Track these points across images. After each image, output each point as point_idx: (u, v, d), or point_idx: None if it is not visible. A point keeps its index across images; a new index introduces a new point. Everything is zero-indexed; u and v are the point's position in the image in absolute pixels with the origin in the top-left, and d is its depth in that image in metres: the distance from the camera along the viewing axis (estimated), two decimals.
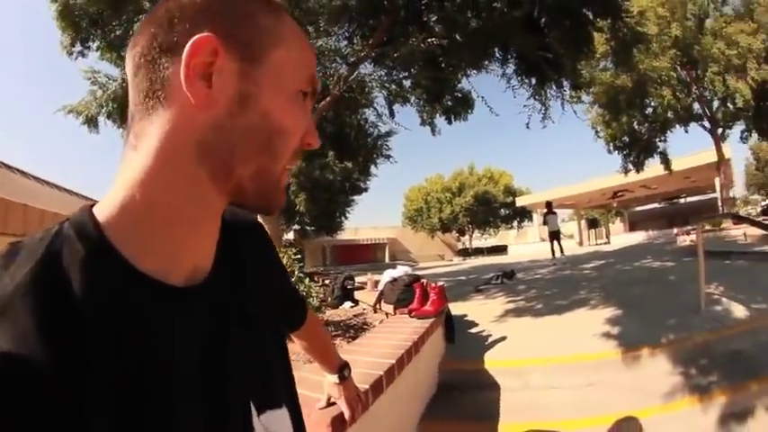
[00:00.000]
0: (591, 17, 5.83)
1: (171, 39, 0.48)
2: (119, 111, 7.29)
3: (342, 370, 1.21)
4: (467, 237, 44.35)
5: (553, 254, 13.61)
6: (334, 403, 1.31)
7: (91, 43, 6.78)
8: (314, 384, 1.56)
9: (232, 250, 0.63)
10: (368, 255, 41.00)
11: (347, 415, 1.29)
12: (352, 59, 5.86)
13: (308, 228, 24.86)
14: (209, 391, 0.52)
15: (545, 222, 14.08)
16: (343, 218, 23.94)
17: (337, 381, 1.22)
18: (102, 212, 0.48)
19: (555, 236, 13.86)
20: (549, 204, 14.08)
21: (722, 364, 3.54)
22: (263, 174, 0.52)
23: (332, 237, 28.42)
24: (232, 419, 0.55)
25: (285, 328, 0.91)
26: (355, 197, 22.45)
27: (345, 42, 6.03)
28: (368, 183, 20.42)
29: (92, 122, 7.49)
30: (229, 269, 0.61)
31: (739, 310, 4.55)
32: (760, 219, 15.85)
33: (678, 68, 15.74)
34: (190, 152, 0.49)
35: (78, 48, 6.76)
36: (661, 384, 3.32)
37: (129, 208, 0.48)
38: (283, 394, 0.68)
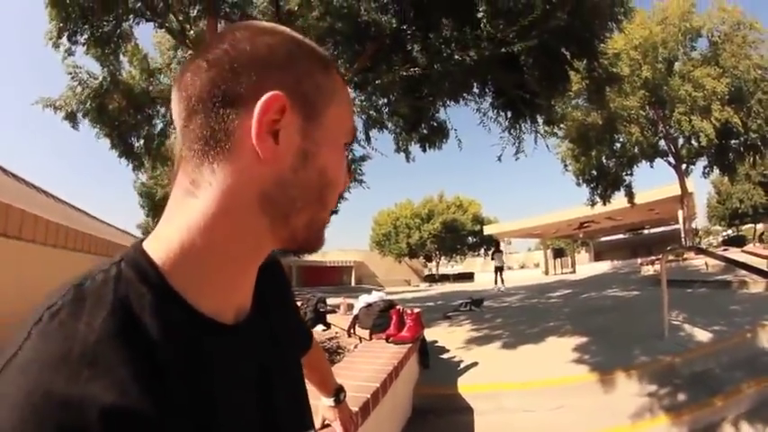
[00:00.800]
0: (569, 57, 6.04)
1: (236, 89, 0.49)
2: (96, 111, 7.20)
3: (338, 393, 1.24)
4: (434, 263, 44.63)
5: (495, 282, 17.54)
6: (327, 425, 1.30)
7: (78, 36, 6.52)
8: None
9: (261, 286, 0.65)
10: (334, 277, 40.71)
11: None
12: None
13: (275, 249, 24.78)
14: (266, 421, 0.57)
15: (493, 258, 18.96)
16: None
17: (333, 404, 1.24)
18: (157, 254, 0.49)
19: (500, 270, 18.14)
20: (497, 243, 18.03)
21: (687, 384, 3.72)
22: (314, 222, 0.56)
23: (299, 257, 28.21)
24: None
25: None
26: None
27: None
28: (339, 205, 20.50)
29: (72, 118, 7.38)
30: (259, 304, 0.63)
31: (701, 335, 4.75)
32: (720, 249, 16.57)
33: (647, 107, 16.46)
34: (253, 203, 0.50)
35: (65, 40, 6.50)
36: (629, 405, 3.46)
37: (189, 252, 0.49)
38: (310, 418, 0.73)
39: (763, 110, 15.53)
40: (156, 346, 0.43)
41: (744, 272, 4.22)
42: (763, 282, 6.94)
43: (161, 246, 0.50)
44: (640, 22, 15.12)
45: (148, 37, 8.69)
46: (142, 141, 8.18)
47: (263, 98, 0.48)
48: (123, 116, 7.57)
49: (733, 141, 16.78)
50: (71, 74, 7.03)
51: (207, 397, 0.47)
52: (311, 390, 1.24)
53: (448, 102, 6.76)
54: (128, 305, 0.44)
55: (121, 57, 7.42)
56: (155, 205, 18.53)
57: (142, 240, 0.52)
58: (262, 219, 0.51)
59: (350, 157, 9.60)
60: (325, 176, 0.54)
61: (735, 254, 12.33)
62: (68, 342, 0.39)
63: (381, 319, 4.72)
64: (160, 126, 8.51)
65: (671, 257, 14.30)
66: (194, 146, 0.50)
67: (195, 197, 0.50)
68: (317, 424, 1.37)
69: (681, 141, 17.94)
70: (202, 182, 0.50)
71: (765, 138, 16.36)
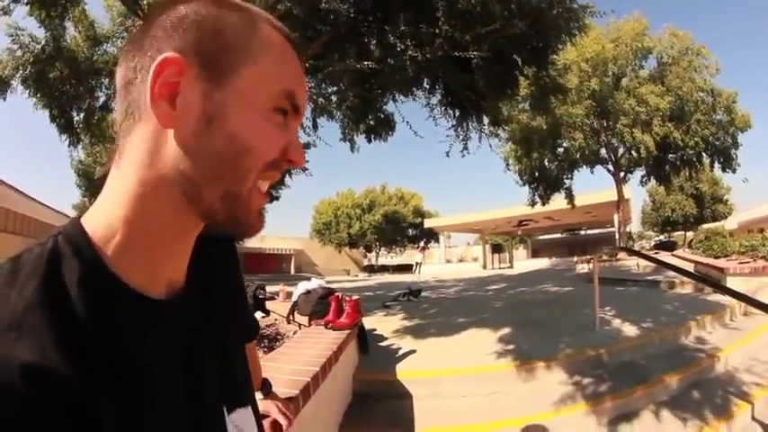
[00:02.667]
0: (520, 63, 6.16)
1: (144, 60, 0.50)
2: (35, 77, 6.71)
3: (264, 385, 1.29)
4: (373, 254, 44.86)
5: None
6: (266, 416, 1.30)
7: None
8: None
9: (205, 264, 0.66)
10: (273, 265, 40.12)
11: (284, 423, 1.31)
12: None
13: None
14: (191, 393, 0.56)
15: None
16: None
17: (262, 397, 1.28)
18: (91, 227, 0.50)
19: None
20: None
21: (613, 374, 3.97)
22: (232, 196, 0.52)
23: (238, 244, 27.55)
24: (211, 418, 0.61)
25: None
26: (266, 205, 22.09)
27: None
28: (280, 192, 20.18)
29: (4, 85, 6.86)
30: (201, 281, 0.65)
31: (630, 329, 5.03)
32: (652, 252, 17.61)
33: (592, 117, 17.21)
34: (162, 172, 0.50)
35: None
36: (558, 392, 3.66)
37: (113, 224, 0.50)
38: (248, 396, 0.76)
39: (700, 129, 16.61)
40: (81, 315, 0.45)
41: (672, 273, 4.57)
42: (690, 283, 7.36)
43: (94, 219, 0.51)
44: (594, 38, 15.76)
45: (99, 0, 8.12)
46: (82, 115, 7.66)
47: (156, 61, 0.48)
48: (64, 86, 7.09)
49: (670, 155, 17.81)
50: (11, 36, 6.52)
51: (129, 366, 0.48)
52: None
53: (397, 95, 6.80)
54: (59, 276, 0.46)
55: (67, 22, 6.91)
56: (92, 184, 17.32)
57: (81, 215, 0.53)
58: (175, 190, 0.51)
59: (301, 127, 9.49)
60: (238, 143, 0.50)
61: (664, 256, 13.18)
62: (0, 308, 0.42)
63: (320, 306, 4.76)
64: (102, 99, 7.86)
65: (605, 258, 15.08)
66: (119, 119, 0.52)
67: (118, 168, 0.52)
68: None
69: (621, 151, 18.86)
70: (123, 154, 0.52)
71: (701, 154, 17.55)
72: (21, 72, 6.62)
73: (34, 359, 0.40)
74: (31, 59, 6.53)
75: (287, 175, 11.48)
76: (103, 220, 0.51)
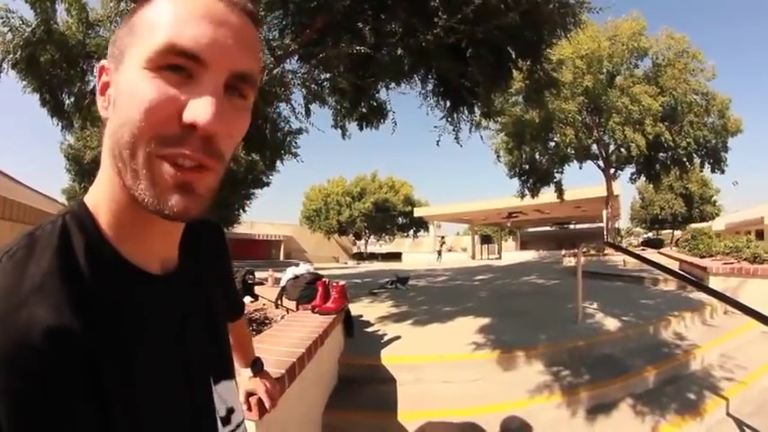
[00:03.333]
0: (514, 56, 6.16)
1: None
2: (26, 61, 6.61)
3: (255, 363, 1.31)
4: (362, 241, 44.89)
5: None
6: (252, 394, 1.34)
7: None
8: None
9: (195, 247, 0.73)
10: (263, 251, 40.06)
11: (267, 404, 1.34)
12: (279, 52, 5.84)
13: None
14: (183, 364, 0.64)
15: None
16: (241, 211, 23.36)
17: (251, 374, 1.31)
18: (92, 206, 0.58)
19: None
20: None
21: (593, 365, 4.05)
22: (133, 175, 0.52)
23: (228, 229, 27.55)
24: (199, 387, 0.67)
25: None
26: (256, 191, 22.02)
27: (277, 34, 5.96)
28: (270, 177, 20.15)
29: None
30: (193, 263, 0.71)
31: (612, 323, 5.11)
32: (639, 249, 17.85)
33: (584, 113, 17.30)
34: (107, 158, 0.56)
35: None
36: (538, 380, 3.73)
37: (104, 204, 0.58)
38: (232, 369, 0.80)
39: (692, 130, 16.79)
40: (89, 281, 0.52)
41: (657, 270, 4.66)
42: (673, 280, 7.47)
43: (93, 199, 0.59)
44: (591, 35, 15.80)
45: None
46: (73, 99, 7.57)
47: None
48: (55, 70, 6.99)
49: (661, 154, 17.98)
50: (2, 18, 6.39)
51: (129, 327, 0.55)
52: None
53: (390, 83, 6.80)
54: (69, 248, 0.53)
55: (58, 5, 6.81)
56: (81, 169, 17.05)
57: (84, 195, 0.61)
58: (115, 174, 0.55)
59: (284, 127, 9.45)
60: (121, 114, 0.52)
61: (651, 254, 13.34)
62: (22, 276, 0.49)
63: (308, 291, 4.81)
64: (93, 83, 7.82)
65: (593, 252, 15.25)
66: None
67: (103, 156, 0.58)
68: (241, 398, 1.41)
69: (612, 148, 19.01)
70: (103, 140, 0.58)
71: (691, 155, 17.74)
72: (11, 56, 6.52)
73: (52, 319, 0.47)
74: (21, 43, 6.42)
75: (278, 161, 11.44)
76: (99, 200, 0.58)
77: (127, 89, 0.51)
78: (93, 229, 0.56)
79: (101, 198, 0.58)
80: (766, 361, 4.36)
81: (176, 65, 0.50)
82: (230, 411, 0.75)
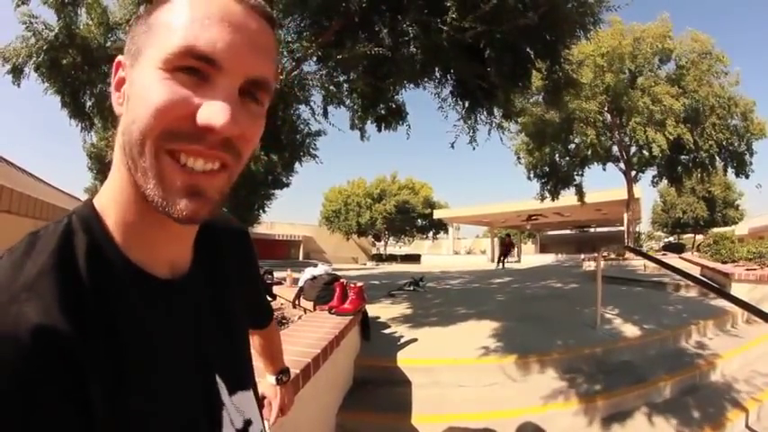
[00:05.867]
0: (533, 56, 6.13)
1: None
2: (48, 64, 6.77)
3: (281, 373, 1.29)
4: (382, 242, 44.94)
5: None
6: (264, 398, 1.30)
7: None
8: None
9: (217, 252, 0.73)
10: (282, 251, 40.40)
11: (273, 416, 1.31)
12: (298, 55, 5.89)
13: None
14: (183, 366, 0.61)
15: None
16: (261, 211, 23.55)
17: (274, 383, 1.29)
18: (100, 206, 0.58)
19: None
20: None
21: (612, 372, 3.99)
22: (142, 173, 0.52)
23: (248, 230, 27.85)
24: (201, 392, 0.64)
25: (251, 326, 1.03)
26: (276, 191, 22.20)
27: (295, 36, 6.02)
28: (290, 178, 20.29)
29: (17, 72, 6.92)
30: (211, 268, 0.71)
31: (631, 329, 5.02)
32: (660, 253, 17.55)
33: (605, 113, 17.09)
34: (119, 157, 0.56)
35: None
36: (554, 386, 3.69)
37: (114, 205, 0.57)
38: (250, 380, 0.78)
39: (715, 133, 16.48)
40: (85, 282, 0.51)
41: (677, 275, 4.56)
42: (695, 287, 7.29)
43: (102, 199, 0.58)
44: (613, 33, 15.61)
45: None
46: (93, 100, 7.74)
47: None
48: (77, 72, 7.15)
49: (683, 156, 17.68)
50: (25, 23, 6.55)
51: (124, 333, 0.53)
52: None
53: (408, 85, 6.80)
54: (69, 248, 0.53)
55: (80, 9, 6.96)
56: (103, 167, 17.43)
57: (93, 196, 0.60)
58: (128, 174, 0.55)
59: (303, 128, 9.52)
60: (132, 114, 0.52)
61: (672, 258, 13.13)
62: (16, 273, 0.49)
63: (325, 292, 4.81)
64: None
65: (612, 256, 15.01)
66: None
67: (114, 154, 0.58)
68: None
69: (633, 149, 18.75)
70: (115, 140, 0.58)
71: (714, 158, 17.40)
72: (34, 59, 6.69)
73: (40, 317, 0.46)
74: (44, 47, 6.59)
75: (296, 162, 11.53)
76: (108, 200, 0.58)
77: (141, 87, 0.52)
78: (98, 230, 0.56)
79: (111, 197, 0.57)
80: None
81: (192, 67, 0.50)
82: (248, 423, 0.73)
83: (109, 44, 7.08)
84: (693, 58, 16.81)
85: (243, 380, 0.75)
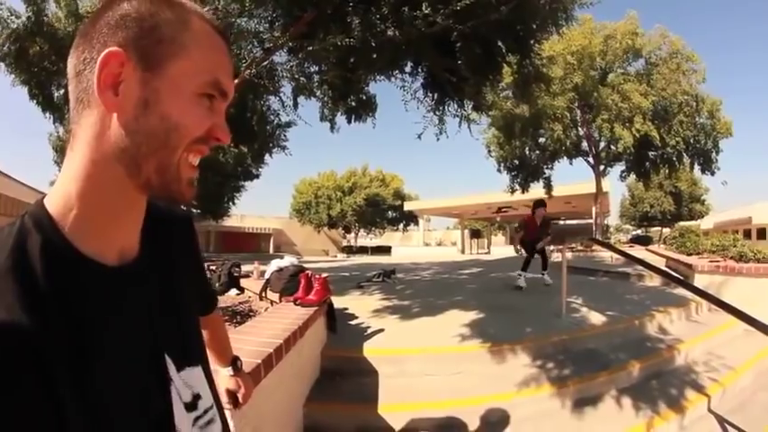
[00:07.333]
0: (503, 50, 6.17)
1: (92, 52, 0.58)
2: (15, 55, 6.57)
3: (235, 362, 1.31)
4: (352, 234, 44.91)
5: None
6: (231, 392, 1.33)
7: None
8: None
9: (163, 237, 0.77)
10: (252, 244, 40.06)
11: (230, 407, 1.33)
12: (269, 45, 5.80)
13: (194, 210, 23.66)
14: (135, 346, 0.65)
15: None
16: (231, 203, 23.28)
17: (231, 373, 1.30)
18: (51, 205, 0.60)
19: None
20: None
21: (577, 359, 4.07)
22: (165, 167, 0.60)
23: (217, 222, 27.48)
24: (151, 368, 0.68)
25: (196, 313, 1.04)
26: (246, 183, 21.95)
27: (267, 26, 5.92)
28: (260, 170, 20.09)
29: None
30: (158, 252, 0.74)
31: (596, 317, 5.16)
32: (627, 245, 17.93)
33: (575, 110, 17.35)
34: (107, 152, 0.59)
35: None
36: (521, 374, 3.75)
37: (69, 201, 0.59)
38: (198, 357, 0.81)
39: (682, 130, 16.91)
40: (41, 280, 0.54)
41: (641, 267, 4.72)
42: (659, 277, 7.58)
43: (53, 197, 0.61)
44: (583, 32, 15.83)
45: None
46: (63, 91, 7.48)
47: (101, 55, 0.56)
48: (44, 62, 6.92)
49: (651, 152, 18.10)
50: None
51: (83, 323, 0.56)
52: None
53: (379, 77, 6.78)
54: (24, 249, 0.55)
55: None
56: None
57: (45, 195, 0.63)
58: (118, 166, 0.60)
59: (273, 120, 9.49)
60: (168, 122, 0.59)
61: (638, 250, 13.45)
62: None
63: (291, 283, 4.85)
64: None
65: (580, 248, 15.27)
66: (72, 105, 0.61)
67: (72, 150, 0.61)
68: (221, 396, 1.39)
69: (602, 145, 19.14)
70: (75, 136, 0.61)
71: (681, 154, 17.87)
72: (0, 49, 6.44)
73: (3, 316, 0.49)
74: (12, 36, 6.35)
75: (266, 154, 11.42)
76: (61, 197, 0.60)
77: (179, 104, 0.60)
78: (50, 228, 0.58)
79: (67, 194, 0.60)
80: (749, 358, 4.42)
81: (211, 94, 0.63)
82: (197, 397, 0.76)
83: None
84: (663, 56, 17.20)
85: (190, 357, 0.78)
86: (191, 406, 0.74)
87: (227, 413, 1.71)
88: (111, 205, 0.62)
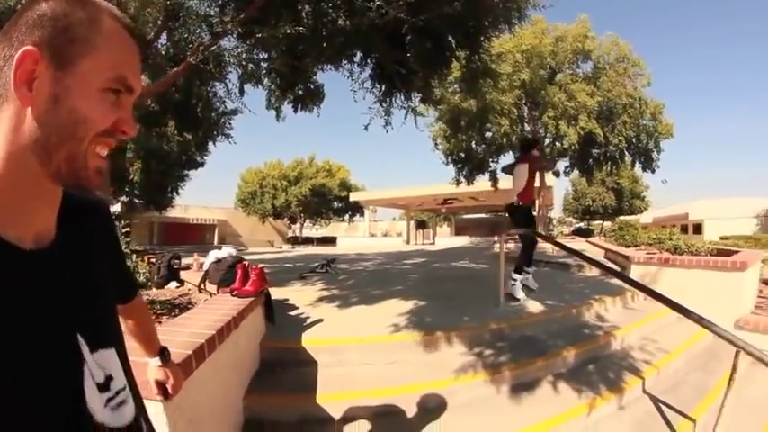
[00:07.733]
0: (453, 45, 6.19)
1: (11, 50, 0.63)
2: None
3: (163, 352, 1.31)
4: (298, 225, 44.44)
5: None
6: (161, 383, 1.33)
7: None
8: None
9: (78, 222, 0.82)
10: (197, 235, 39.02)
11: (160, 397, 1.37)
12: (218, 29, 5.63)
13: (137, 201, 22.69)
14: (49, 326, 0.68)
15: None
16: (174, 193, 22.54)
17: (160, 363, 1.30)
18: None
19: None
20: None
21: (514, 347, 4.18)
22: (72, 157, 0.66)
23: (161, 213, 26.55)
24: (64, 348, 0.71)
25: (117, 299, 1.03)
26: (190, 172, 21.29)
27: (217, 10, 5.74)
28: (204, 158, 19.51)
29: None
30: (73, 237, 0.79)
31: (534, 306, 5.31)
32: (569, 237, 18.43)
33: (523, 106, 17.75)
34: (23, 143, 0.64)
35: None
36: (458, 361, 3.83)
37: None
38: (113, 340, 0.83)
39: (625, 130, 17.50)
40: None
41: (579, 258, 4.94)
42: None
43: None
44: (535, 32, 16.18)
45: None
46: None
47: (17, 54, 0.62)
48: None
49: (594, 150, 18.70)
50: None
51: (2, 303, 0.61)
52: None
53: (327, 66, 6.71)
54: None
55: None
56: None
57: None
58: (32, 157, 0.65)
59: (218, 107, 9.25)
60: (77, 115, 0.65)
61: (579, 242, 13.92)
62: None
63: (228, 274, 4.80)
64: None
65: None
66: None
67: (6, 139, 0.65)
68: (152, 386, 1.37)
69: (547, 141, 19.70)
70: None
71: (623, 153, 18.57)
72: None
73: None
74: None
75: (210, 142, 11.14)
76: None
77: (87, 100, 0.65)
78: None
79: None
80: (683, 342, 4.67)
81: (117, 89, 0.68)
82: (109, 378, 0.78)
83: None
84: (611, 61, 17.84)
85: (104, 339, 0.80)
86: (103, 386, 0.76)
87: (160, 405, 1.71)
88: (27, 193, 0.67)
